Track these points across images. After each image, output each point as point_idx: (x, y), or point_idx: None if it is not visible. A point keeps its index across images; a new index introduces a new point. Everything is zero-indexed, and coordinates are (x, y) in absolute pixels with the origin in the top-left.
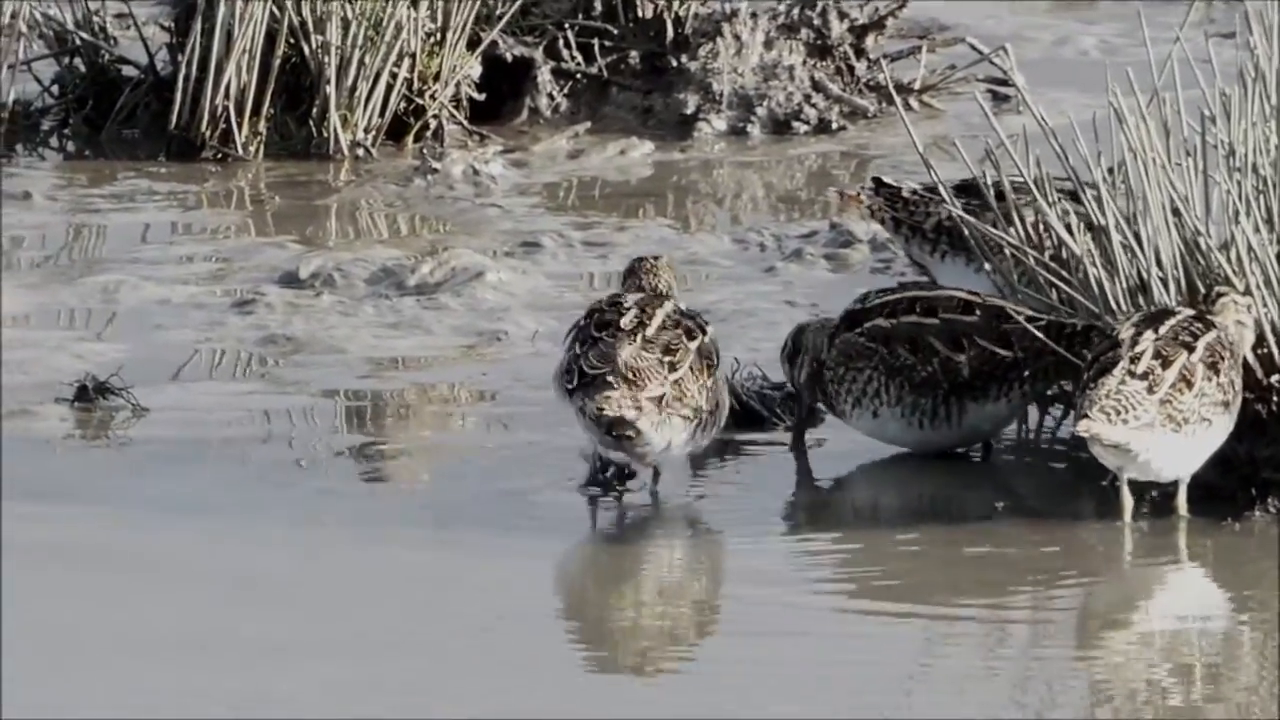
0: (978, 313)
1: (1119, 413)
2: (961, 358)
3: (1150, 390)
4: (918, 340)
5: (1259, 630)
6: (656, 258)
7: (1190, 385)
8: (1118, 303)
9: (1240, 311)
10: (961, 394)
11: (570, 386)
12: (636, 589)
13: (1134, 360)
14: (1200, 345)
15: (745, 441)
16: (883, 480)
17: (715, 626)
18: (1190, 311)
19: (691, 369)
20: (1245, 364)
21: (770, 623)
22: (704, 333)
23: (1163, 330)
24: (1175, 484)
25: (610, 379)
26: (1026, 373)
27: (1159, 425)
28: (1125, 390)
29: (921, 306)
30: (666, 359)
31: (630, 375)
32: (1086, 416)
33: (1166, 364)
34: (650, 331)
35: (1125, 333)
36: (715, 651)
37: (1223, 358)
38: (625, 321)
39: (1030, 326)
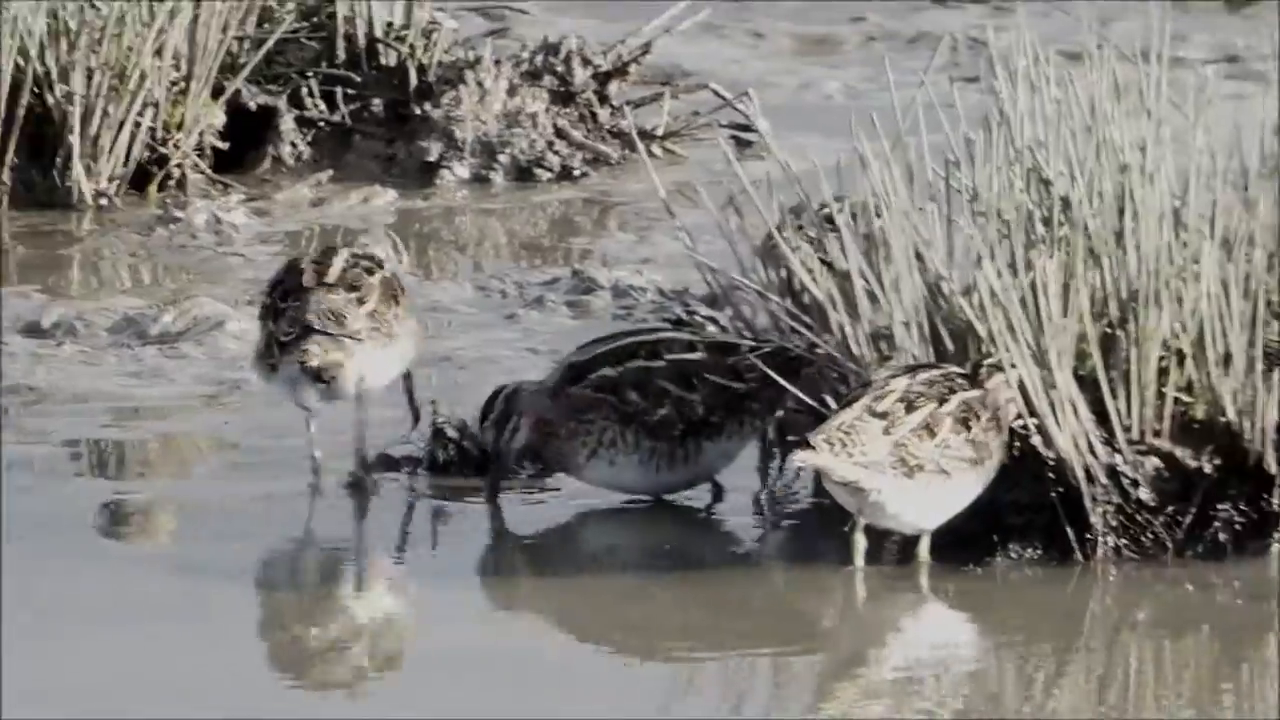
0: (701, 350)
1: (844, 445)
2: (695, 396)
3: (886, 431)
4: (647, 385)
5: (1002, 675)
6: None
7: (933, 434)
8: (860, 347)
9: (1010, 390)
10: (698, 433)
11: (273, 361)
12: (357, 633)
13: (877, 399)
14: (955, 400)
15: (478, 488)
16: (613, 527)
17: (429, 674)
18: (958, 369)
19: (380, 300)
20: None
21: (495, 670)
22: (382, 268)
23: (919, 378)
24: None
25: (311, 330)
26: (756, 404)
27: (890, 467)
28: (859, 425)
29: (645, 350)
30: (354, 295)
31: (327, 320)
32: (808, 445)
33: (911, 409)
34: (332, 277)
35: (879, 375)
36: (426, 697)
37: (978, 417)
38: (306, 280)
39: (754, 357)
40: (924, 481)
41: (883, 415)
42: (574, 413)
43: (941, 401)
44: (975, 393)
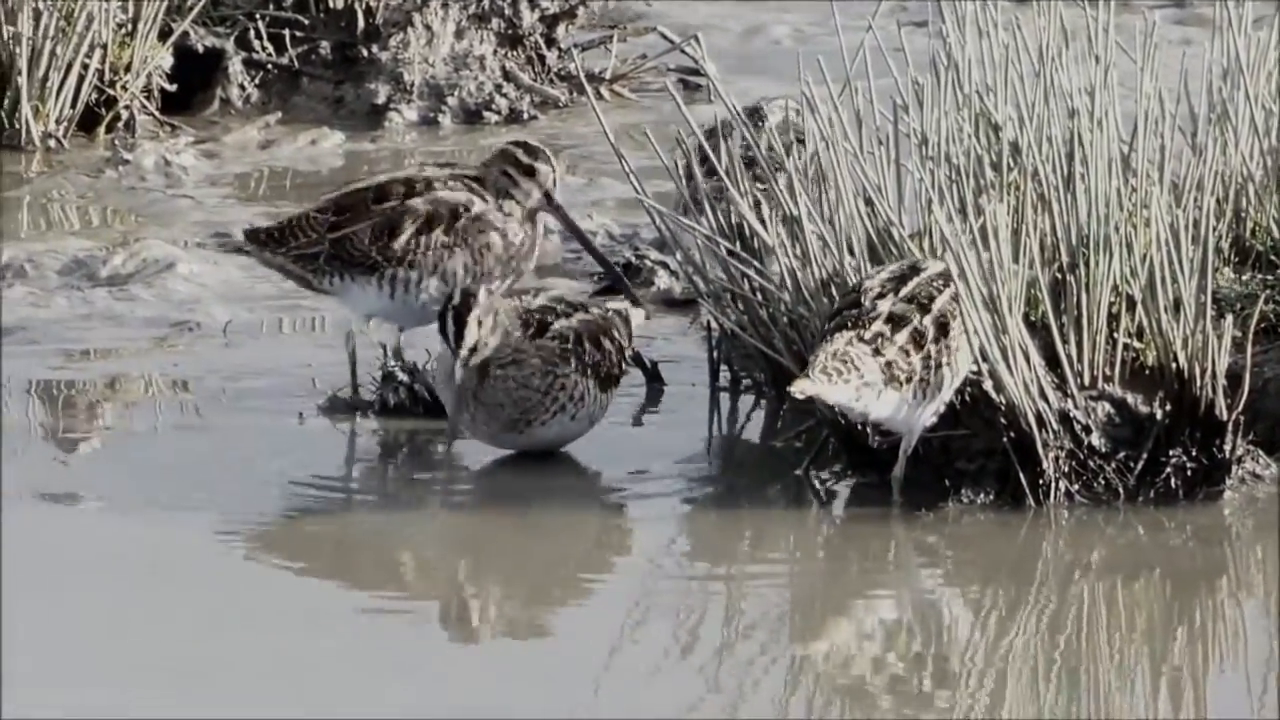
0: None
1: (840, 374)
2: (623, 345)
3: (877, 353)
4: (597, 335)
5: (955, 619)
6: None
7: (920, 347)
8: (811, 294)
9: None
10: (613, 381)
11: None
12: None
13: (867, 323)
14: (935, 306)
15: (428, 430)
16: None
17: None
18: (938, 267)
19: None
20: None
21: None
22: None
23: (903, 293)
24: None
25: None
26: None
27: (882, 384)
28: (851, 352)
29: (569, 304)
30: None
31: None
32: (807, 377)
33: (898, 327)
34: None
35: (869, 296)
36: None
37: (954, 315)
38: None
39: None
40: (914, 390)
41: (873, 339)
42: (550, 367)
43: (925, 310)
44: (950, 291)
